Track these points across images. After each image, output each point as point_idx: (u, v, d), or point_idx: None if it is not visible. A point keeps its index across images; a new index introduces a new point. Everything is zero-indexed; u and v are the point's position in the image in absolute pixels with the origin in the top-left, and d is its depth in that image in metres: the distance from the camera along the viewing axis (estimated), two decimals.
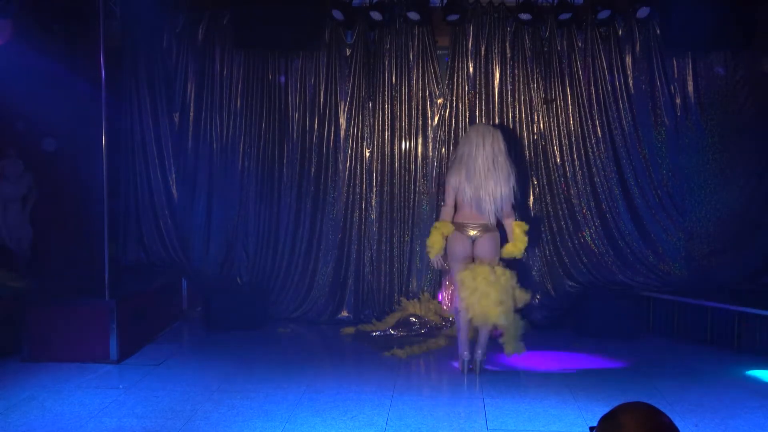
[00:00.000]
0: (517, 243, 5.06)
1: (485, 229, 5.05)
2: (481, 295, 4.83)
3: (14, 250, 6.29)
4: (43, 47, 5.87)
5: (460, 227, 5.09)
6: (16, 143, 6.31)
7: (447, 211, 5.13)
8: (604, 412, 1.44)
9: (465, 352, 5.04)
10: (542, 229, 6.52)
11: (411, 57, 6.59)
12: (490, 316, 4.85)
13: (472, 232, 5.05)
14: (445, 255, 5.18)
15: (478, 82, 6.55)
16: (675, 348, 5.82)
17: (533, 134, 6.56)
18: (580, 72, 6.47)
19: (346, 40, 6.64)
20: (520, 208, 6.47)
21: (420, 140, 6.63)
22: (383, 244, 6.62)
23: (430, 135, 6.62)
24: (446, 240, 5.13)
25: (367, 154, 6.67)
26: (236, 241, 6.72)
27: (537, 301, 6.51)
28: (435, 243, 5.09)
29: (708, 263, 6.34)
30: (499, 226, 5.17)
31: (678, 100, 6.39)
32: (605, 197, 6.45)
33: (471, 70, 6.56)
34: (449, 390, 4.77)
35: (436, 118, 6.62)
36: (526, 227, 5.10)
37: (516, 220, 5.16)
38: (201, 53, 6.63)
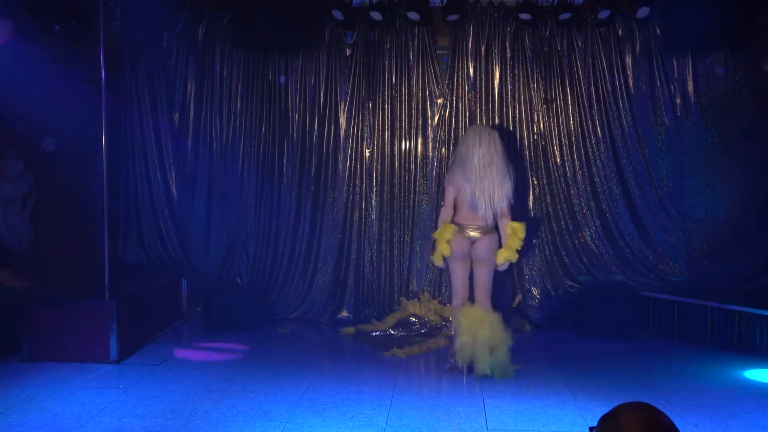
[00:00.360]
0: (511, 246, 5.03)
1: (484, 231, 5.05)
2: (475, 336, 4.85)
3: (14, 249, 6.28)
4: (43, 47, 5.86)
5: (459, 228, 5.08)
6: (16, 143, 6.31)
7: (447, 211, 5.13)
8: (604, 412, 1.44)
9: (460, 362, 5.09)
10: (542, 229, 6.53)
11: (411, 57, 6.59)
12: (477, 363, 4.88)
13: (472, 233, 5.05)
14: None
15: (478, 82, 6.55)
16: (675, 348, 5.82)
17: (533, 134, 6.55)
18: (580, 72, 6.47)
19: (346, 40, 6.64)
20: (519, 209, 6.48)
21: (420, 140, 6.63)
22: (383, 244, 6.62)
23: (430, 135, 6.62)
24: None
25: (367, 154, 6.67)
26: (236, 241, 6.71)
27: (537, 301, 6.52)
28: (441, 250, 5.06)
29: (708, 263, 6.33)
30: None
31: (678, 100, 6.39)
32: (605, 197, 6.45)
33: (471, 70, 6.56)
34: (449, 390, 4.77)
35: (436, 118, 6.62)
36: (521, 227, 5.07)
37: (512, 221, 5.11)
38: (201, 53, 6.62)
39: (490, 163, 5.02)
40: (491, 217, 5.06)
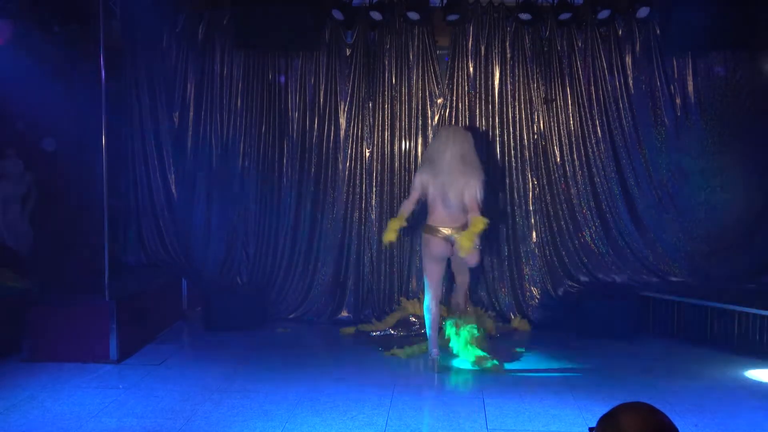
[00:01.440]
0: (466, 236, 4.83)
1: (461, 230, 5.00)
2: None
3: (14, 249, 6.29)
4: (44, 47, 5.86)
5: (433, 231, 5.05)
6: (16, 143, 6.31)
7: (407, 206, 5.12)
8: (604, 412, 1.44)
9: (435, 350, 5.10)
10: (542, 229, 6.53)
11: (411, 57, 6.59)
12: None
13: (448, 232, 5.02)
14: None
15: (478, 82, 6.55)
16: (675, 348, 5.82)
17: (533, 134, 6.55)
18: (580, 72, 6.47)
19: (346, 40, 6.64)
20: (519, 208, 6.49)
21: (420, 140, 6.63)
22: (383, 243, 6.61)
23: (430, 135, 6.61)
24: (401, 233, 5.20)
25: (367, 154, 6.67)
26: (236, 241, 6.71)
27: (537, 301, 6.52)
28: (389, 236, 5.07)
29: (708, 263, 6.33)
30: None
31: (678, 100, 6.39)
32: (605, 197, 6.45)
33: (471, 70, 6.56)
34: (449, 390, 4.77)
35: (436, 118, 6.61)
36: (480, 220, 4.87)
37: (479, 216, 4.91)
38: (201, 53, 6.62)
39: (462, 160, 5.03)
40: (460, 211, 5.03)
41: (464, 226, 5.02)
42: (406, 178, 6.62)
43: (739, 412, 4.25)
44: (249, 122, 6.66)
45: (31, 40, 5.74)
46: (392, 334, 6.13)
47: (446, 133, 5.24)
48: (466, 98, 6.58)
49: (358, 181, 6.65)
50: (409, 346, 5.65)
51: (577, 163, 6.49)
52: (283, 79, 6.64)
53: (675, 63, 6.38)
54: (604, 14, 6.20)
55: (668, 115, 6.40)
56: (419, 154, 6.61)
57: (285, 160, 6.67)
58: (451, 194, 4.98)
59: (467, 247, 4.81)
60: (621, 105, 6.43)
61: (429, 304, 5.16)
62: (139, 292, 5.97)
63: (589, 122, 6.48)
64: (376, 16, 6.36)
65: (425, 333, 6.09)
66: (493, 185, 6.42)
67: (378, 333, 6.15)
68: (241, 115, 6.65)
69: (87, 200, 6.11)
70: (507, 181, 6.54)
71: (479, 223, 4.84)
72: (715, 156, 6.36)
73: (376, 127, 6.65)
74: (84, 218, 6.23)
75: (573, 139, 6.50)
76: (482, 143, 6.53)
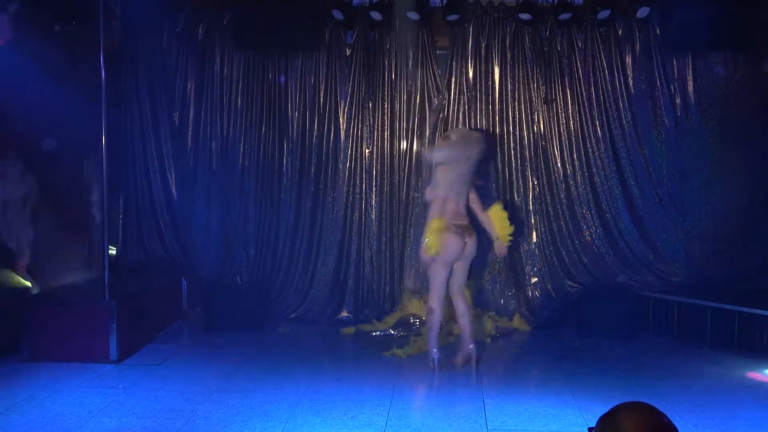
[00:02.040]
0: (504, 233, 5.18)
1: (471, 230, 5.08)
2: None
3: (14, 249, 6.29)
4: (43, 47, 5.86)
5: (448, 226, 5.07)
6: (16, 143, 6.31)
7: (436, 205, 5.18)
8: (604, 412, 1.44)
9: (435, 350, 5.10)
10: (542, 229, 6.53)
11: (411, 57, 6.59)
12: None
13: (463, 232, 5.05)
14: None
15: (477, 82, 6.55)
16: (675, 348, 5.82)
17: (533, 134, 6.55)
18: (580, 72, 6.47)
19: (346, 40, 6.64)
20: (519, 208, 6.48)
21: (420, 140, 6.62)
22: (383, 244, 6.62)
23: (430, 135, 6.61)
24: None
25: (367, 154, 6.67)
26: (236, 241, 6.71)
27: (537, 301, 6.51)
28: (434, 243, 5.03)
29: (708, 263, 6.33)
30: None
31: (678, 100, 6.39)
32: (605, 197, 6.45)
33: (471, 70, 6.56)
34: (449, 390, 4.77)
35: (436, 118, 6.61)
36: (505, 214, 5.22)
37: (493, 208, 5.25)
38: (201, 53, 6.62)
39: (472, 167, 5.19)
40: (466, 212, 5.14)
41: (470, 224, 5.07)
42: (406, 178, 6.62)
43: (739, 412, 4.25)
44: (249, 122, 6.66)
45: (31, 40, 5.73)
46: (392, 334, 6.13)
47: (456, 138, 5.31)
48: (466, 98, 6.58)
49: (358, 181, 6.65)
50: (409, 346, 5.65)
51: (577, 163, 6.49)
52: (283, 79, 6.64)
53: (675, 63, 6.37)
54: (604, 14, 6.20)
55: (668, 115, 6.40)
56: (419, 154, 6.61)
57: (285, 160, 6.66)
58: (460, 197, 5.09)
59: (507, 239, 5.20)
60: (621, 105, 6.42)
61: (432, 304, 5.16)
62: (139, 292, 5.97)
63: (589, 122, 6.47)
64: (376, 16, 6.36)
65: (425, 333, 6.11)
66: (489, 182, 6.47)
67: (378, 333, 6.16)
68: (241, 115, 6.65)
69: (87, 200, 6.11)
70: (507, 180, 6.54)
71: (499, 211, 5.21)
72: (715, 156, 6.36)
73: (376, 127, 6.65)
74: (84, 218, 6.23)
75: (573, 139, 6.50)
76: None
